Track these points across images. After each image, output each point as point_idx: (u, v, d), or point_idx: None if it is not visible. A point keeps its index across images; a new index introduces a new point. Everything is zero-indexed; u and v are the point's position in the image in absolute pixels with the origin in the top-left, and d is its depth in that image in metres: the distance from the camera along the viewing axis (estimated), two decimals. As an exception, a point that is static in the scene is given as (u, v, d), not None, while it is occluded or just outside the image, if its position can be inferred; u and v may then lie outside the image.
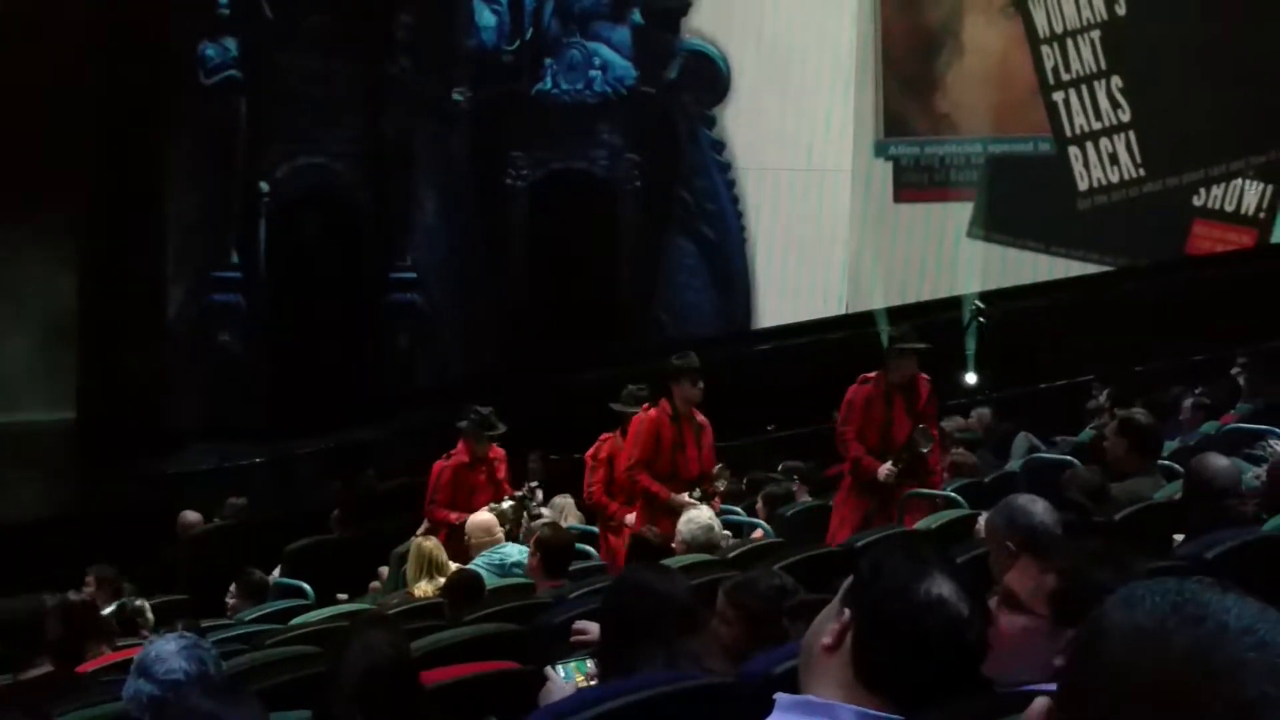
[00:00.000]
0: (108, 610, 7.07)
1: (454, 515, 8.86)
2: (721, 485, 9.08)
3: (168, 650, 3.73)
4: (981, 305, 14.79)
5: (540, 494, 10.83)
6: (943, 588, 2.10)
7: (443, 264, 18.38)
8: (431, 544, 7.71)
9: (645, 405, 8.47)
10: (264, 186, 17.70)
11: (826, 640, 2.13)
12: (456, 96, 18.18)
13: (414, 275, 18.29)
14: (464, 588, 6.14)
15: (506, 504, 8.66)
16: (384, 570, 9.88)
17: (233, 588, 8.68)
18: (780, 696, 2.19)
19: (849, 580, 2.19)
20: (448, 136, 18.31)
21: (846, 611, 2.14)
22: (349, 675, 3.47)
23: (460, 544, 8.16)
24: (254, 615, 7.90)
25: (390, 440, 16.96)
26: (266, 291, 17.81)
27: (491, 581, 6.86)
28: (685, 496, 8.01)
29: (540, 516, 9.41)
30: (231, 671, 4.34)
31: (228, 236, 17.73)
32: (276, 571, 10.24)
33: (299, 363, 17.31)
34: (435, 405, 17.85)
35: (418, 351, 18.39)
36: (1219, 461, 5.26)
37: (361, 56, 18.02)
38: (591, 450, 9.01)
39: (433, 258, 18.38)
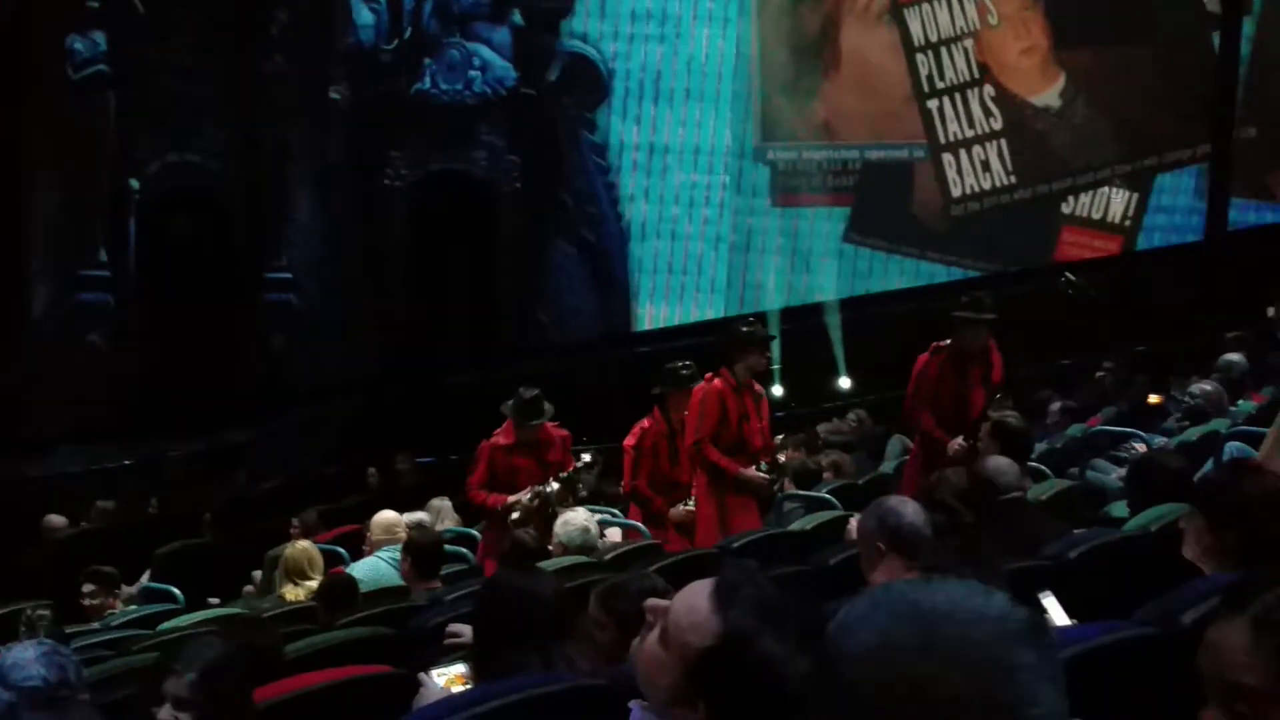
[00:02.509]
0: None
1: (491, 499, 8.22)
2: (783, 458, 8.52)
3: (26, 657, 3.63)
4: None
5: (595, 469, 9.76)
6: (781, 648, 2.13)
7: (319, 264, 18.18)
8: (301, 548, 7.60)
9: (708, 375, 7.93)
10: (134, 184, 17.38)
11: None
12: (334, 95, 17.99)
13: (289, 275, 18.07)
14: (337, 591, 6.06)
15: (552, 487, 8.04)
16: (258, 574, 9.73)
17: (86, 588, 8.44)
18: (634, 707, 2.21)
19: (686, 657, 2.21)
20: (324, 135, 18.11)
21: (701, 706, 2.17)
22: (196, 664, 3.42)
23: (500, 529, 7.84)
24: (121, 620, 7.74)
25: (263, 442, 16.73)
26: (136, 291, 17.48)
27: (393, 578, 6.81)
28: (754, 470, 7.75)
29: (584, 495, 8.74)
30: (95, 678, 4.24)
31: (96, 234, 17.37)
32: (145, 576, 10.04)
33: (170, 363, 17.00)
34: (310, 406, 17.68)
35: (293, 352, 18.16)
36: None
37: (235, 53, 17.76)
38: (632, 440, 8.30)
39: (309, 258, 18.16)
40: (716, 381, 7.87)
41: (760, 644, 2.14)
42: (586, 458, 8.52)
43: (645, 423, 8.29)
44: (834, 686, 1.29)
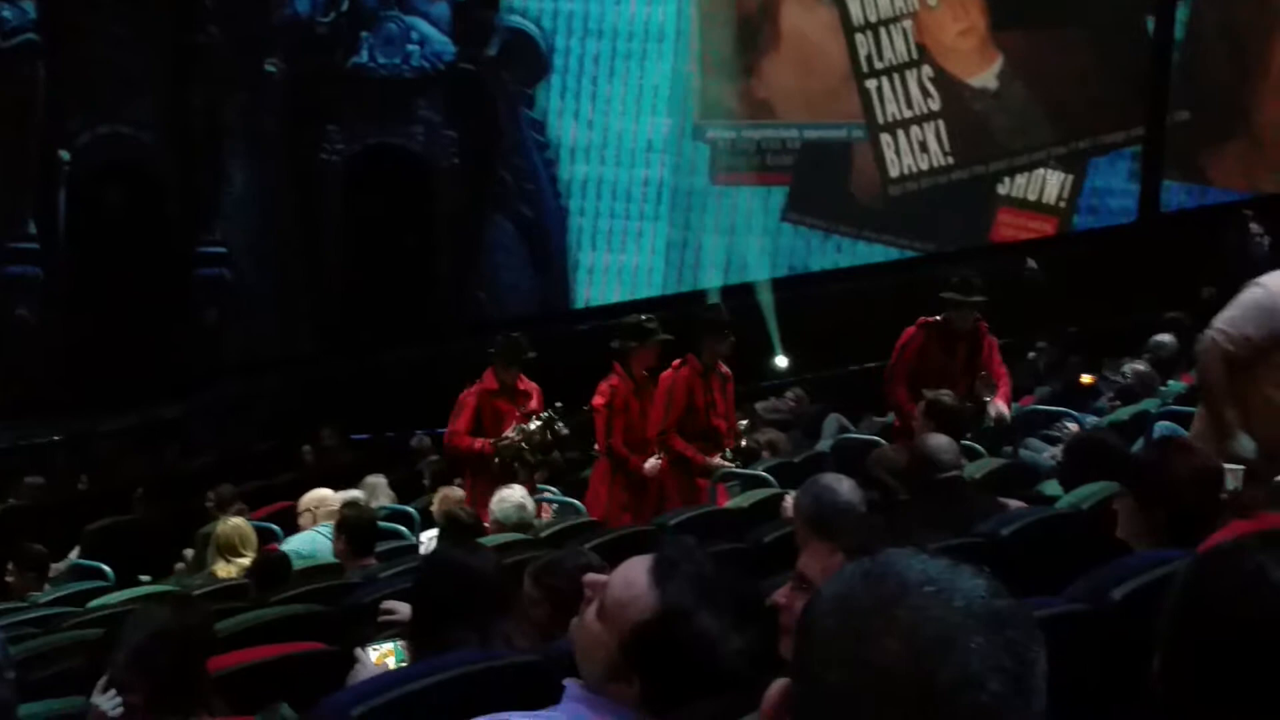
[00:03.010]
0: None
1: (478, 443, 8.20)
2: (744, 442, 8.47)
3: (-49, 635, 3.58)
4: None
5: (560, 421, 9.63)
6: (717, 625, 2.14)
7: (254, 238, 18.02)
8: (233, 525, 7.55)
9: (675, 362, 7.93)
10: (64, 155, 17.14)
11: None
12: (269, 68, 17.82)
13: (223, 250, 17.90)
14: (269, 568, 6.02)
15: (534, 424, 8.11)
16: (190, 552, 9.64)
17: (10, 565, 8.36)
18: (569, 686, 2.21)
19: (623, 632, 2.21)
20: (260, 108, 17.93)
21: (636, 680, 2.18)
22: (128, 643, 3.38)
23: (486, 472, 7.93)
24: (49, 598, 7.65)
25: (196, 417, 16.59)
26: (66, 264, 17.26)
27: (328, 553, 6.80)
28: (717, 459, 7.78)
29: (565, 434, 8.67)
30: (22, 656, 4.18)
31: (25, 206, 17.12)
32: (74, 553, 9.93)
33: (100, 337, 16.81)
34: (243, 381, 17.54)
35: (226, 327, 18.00)
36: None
37: (169, 24, 17.54)
38: (602, 399, 8.15)
39: (243, 232, 18.01)
40: (684, 369, 7.89)
41: (696, 620, 2.14)
42: (559, 405, 8.47)
43: (613, 380, 8.17)
44: (799, 629, 1.32)
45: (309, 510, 7.73)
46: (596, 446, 8.46)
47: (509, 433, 8.12)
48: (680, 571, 2.19)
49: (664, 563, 2.20)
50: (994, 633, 1.26)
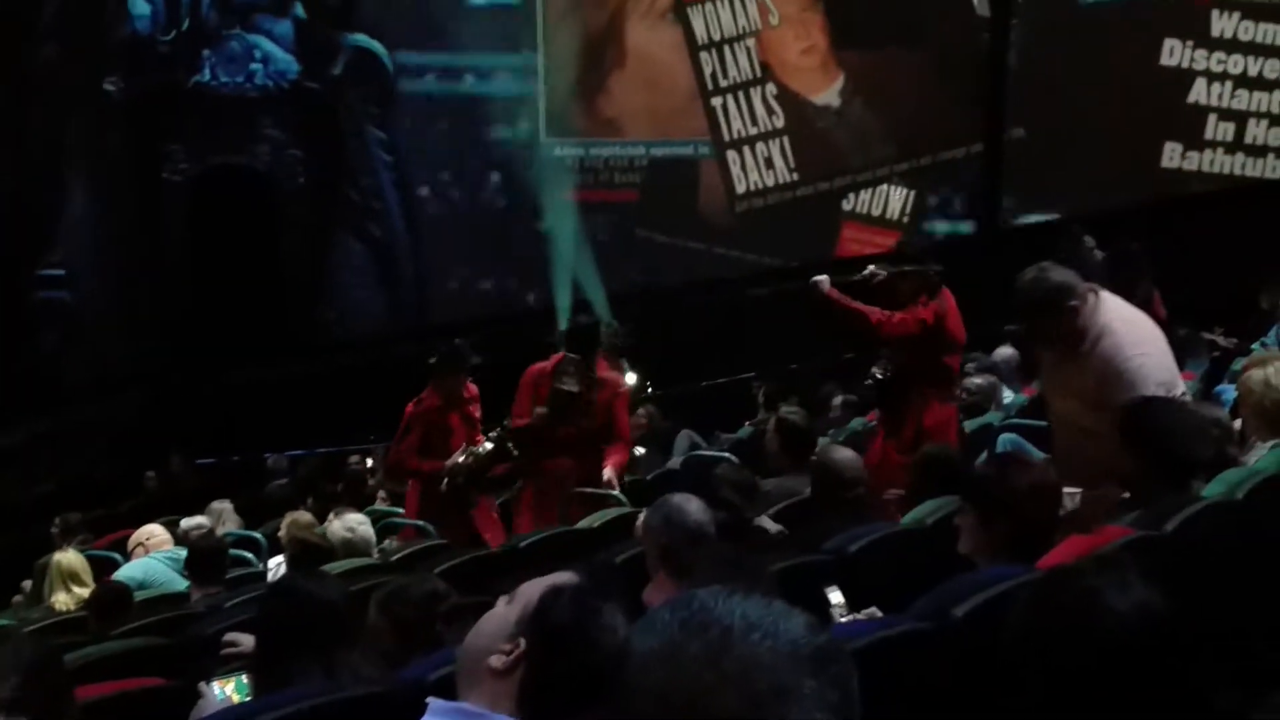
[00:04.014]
0: None
1: (426, 465, 7.99)
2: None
3: None
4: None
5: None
6: (618, 637, 2.13)
7: (95, 260, 17.59)
8: (70, 556, 7.38)
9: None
10: (-107, 176, 16.60)
11: (496, 665, 2.14)
12: (109, 87, 17.43)
13: (63, 272, 17.45)
14: (109, 599, 5.88)
15: (485, 447, 7.90)
16: (28, 584, 9.38)
17: None
18: (433, 702, 2.18)
19: (527, 607, 2.20)
20: (100, 128, 17.52)
21: (522, 642, 2.15)
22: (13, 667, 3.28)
23: (434, 493, 7.78)
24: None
25: (34, 445, 16.14)
26: (-105, 288, 16.70)
27: (172, 580, 6.65)
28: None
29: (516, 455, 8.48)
30: None
31: None
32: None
33: (-68, 364, 16.29)
34: (84, 407, 17.11)
35: (66, 351, 17.54)
36: (843, 453, 5.49)
37: (4, 42, 17.07)
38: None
39: (84, 254, 17.57)
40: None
41: (592, 634, 2.14)
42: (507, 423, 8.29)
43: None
44: (622, 684, 1.30)
45: (141, 545, 7.62)
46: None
47: (458, 456, 7.93)
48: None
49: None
50: (821, 671, 1.27)
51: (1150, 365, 5.03)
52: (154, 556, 7.27)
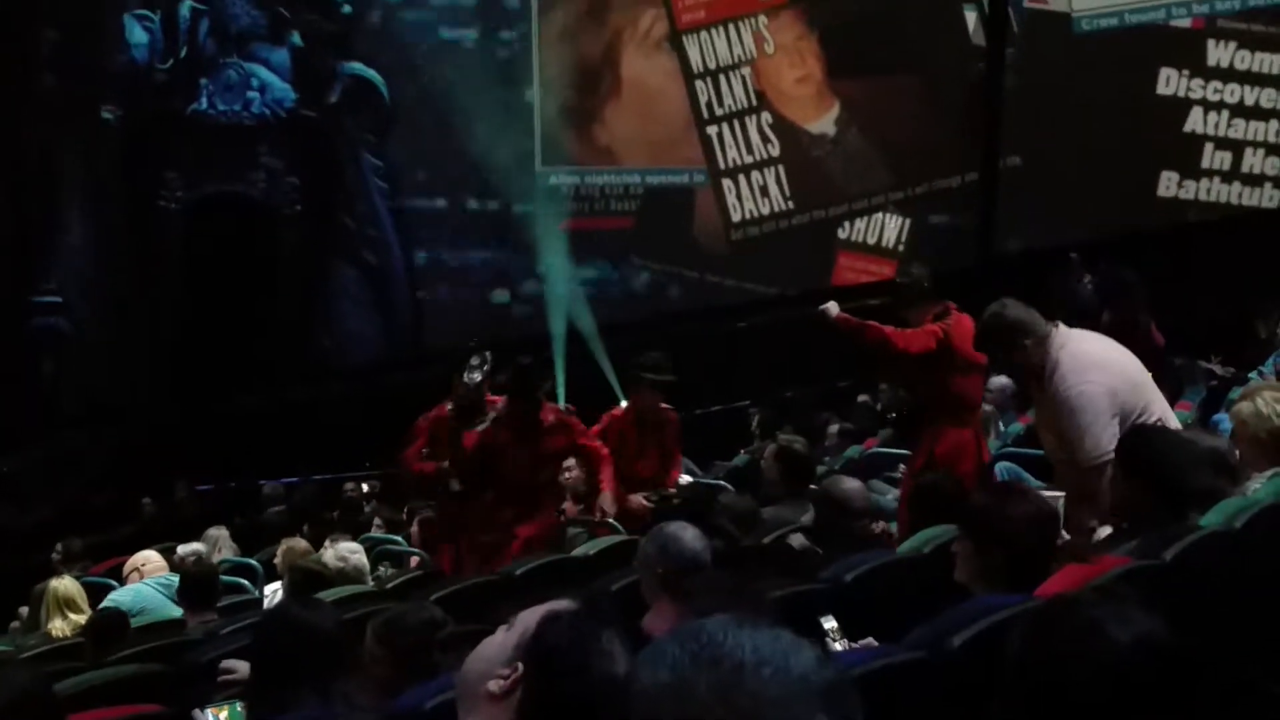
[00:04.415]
0: None
1: (429, 466, 8.01)
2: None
3: None
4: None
5: None
6: (616, 663, 2.13)
7: (92, 287, 17.60)
8: (65, 583, 7.36)
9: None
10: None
11: (494, 689, 2.14)
12: (106, 115, 17.46)
13: (59, 299, 17.46)
14: (105, 626, 5.86)
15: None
16: (24, 610, 9.35)
17: None
18: None
19: (525, 632, 2.19)
20: (97, 156, 17.55)
21: (519, 666, 2.15)
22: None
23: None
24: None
25: (31, 471, 16.11)
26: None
27: (163, 606, 6.63)
28: (638, 498, 7.98)
29: None
30: None
31: None
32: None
33: (-71, 391, 16.27)
34: (81, 433, 17.09)
35: (63, 377, 17.53)
36: (850, 484, 5.49)
37: (3, 70, 17.11)
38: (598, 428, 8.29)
39: (80, 281, 17.58)
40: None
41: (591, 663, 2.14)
42: None
43: (615, 412, 8.48)
44: (631, 718, 1.28)
45: (136, 570, 7.61)
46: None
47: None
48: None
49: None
50: (831, 705, 1.27)
51: (1095, 393, 5.08)
52: (147, 582, 7.26)
